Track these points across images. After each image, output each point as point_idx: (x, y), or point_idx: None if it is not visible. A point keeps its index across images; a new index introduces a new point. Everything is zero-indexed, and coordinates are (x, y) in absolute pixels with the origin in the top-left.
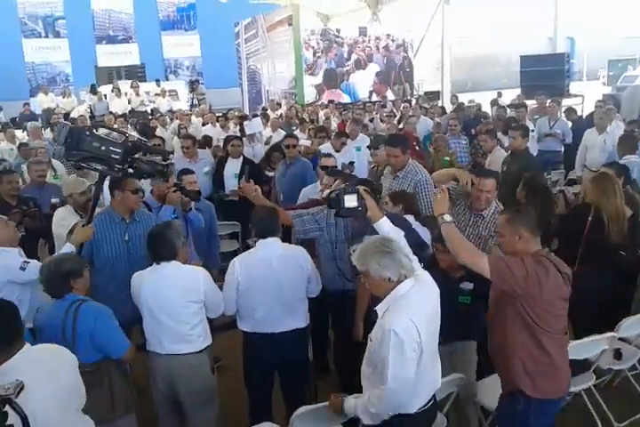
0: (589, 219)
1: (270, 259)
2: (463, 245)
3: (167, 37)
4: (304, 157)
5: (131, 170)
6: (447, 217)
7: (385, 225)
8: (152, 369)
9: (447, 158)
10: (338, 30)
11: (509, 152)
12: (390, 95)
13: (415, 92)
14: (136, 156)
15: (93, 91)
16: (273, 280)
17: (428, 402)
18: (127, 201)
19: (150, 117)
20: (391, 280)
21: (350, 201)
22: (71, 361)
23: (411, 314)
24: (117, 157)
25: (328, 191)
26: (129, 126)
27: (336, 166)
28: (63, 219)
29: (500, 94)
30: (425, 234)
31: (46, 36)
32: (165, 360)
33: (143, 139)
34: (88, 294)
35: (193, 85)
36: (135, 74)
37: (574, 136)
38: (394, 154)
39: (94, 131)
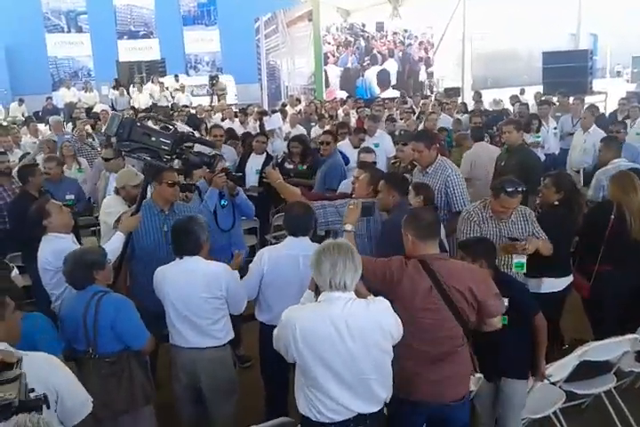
0: (612, 216)
1: (298, 258)
2: None
3: (188, 33)
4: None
5: (180, 161)
6: (348, 226)
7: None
8: (174, 362)
9: None
10: (364, 24)
11: (505, 148)
12: (389, 93)
13: (435, 89)
14: (185, 147)
15: (116, 86)
16: (297, 279)
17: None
18: (164, 193)
19: (171, 112)
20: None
21: None
22: (44, 374)
23: (302, 319)
24: (167, 147)
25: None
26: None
27: (376, 162)
28: (109, 206)
29: (522, 91)
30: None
31: (69, 31)
32: (188, 354)
33: (192, 130)
34: (110, 286)
35: (213, 81)
36: (156, 69)
37: None
38: (418, 149)
39: (145, 122)
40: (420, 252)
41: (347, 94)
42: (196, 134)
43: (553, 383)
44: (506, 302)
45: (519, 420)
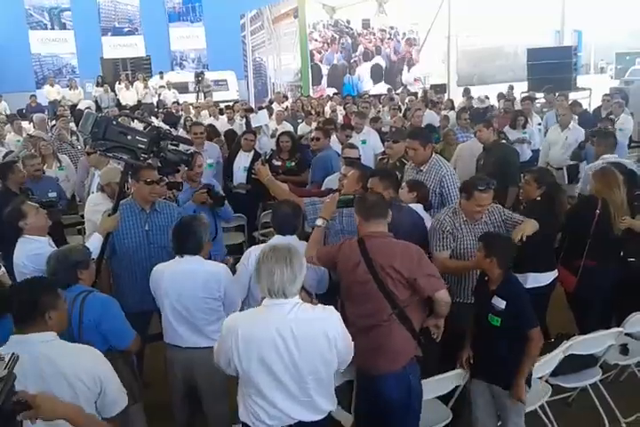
0: (597, 211)
1: None
2: (310, 243)
3: (173, 29)
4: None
5: (157, 159)
6: (319, 221)
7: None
8: (170, 361)
9: None
10: (348, 21)
11: (482, 147)
12: (381, 86)
13: (421, 85)
14: (162, 145)
15: (100, 83)
16: None
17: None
18: (141, 192)
19: (156, 109)
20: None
21: None
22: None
23: (245, 324)
24: (144, 146)
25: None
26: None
27: (359, 158)
28: (96, 204)
29: (511, 87)
30: None
31: (52, 28)
32: (184, 353)
33: (168, 128)
34: (96, 286)
35: (198, 77)
36: (141, 66)
37: None
38: (412, 147)
39: (120, 120)
40: (366, 230)
41: (334, 91)
42: (182, 132)
43: (539, 377)
44: (503, 304)
45: (522, 424)
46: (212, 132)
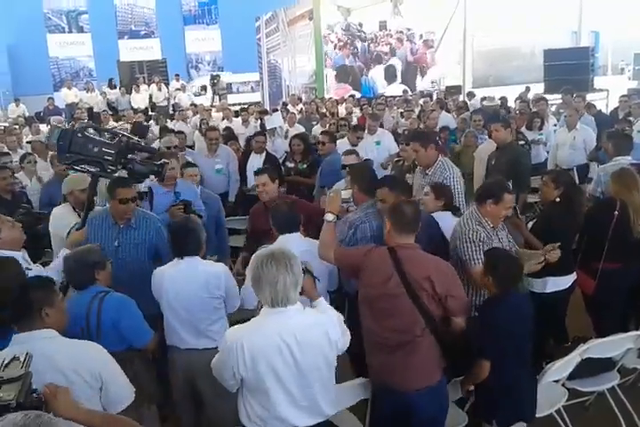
0: (616, 213)
1: None
2: (324, 240)
3: (189, 32)
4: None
5: (125, 171)
6: (328, 216)
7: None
8: (171, 362)
9: None
10: (360, 24)
11: (495, 146)
12: (395, 87)
13: (436, 86)
14: (130, 156)
15: (111, 85)
16: None
17: None
18: (115, 209)
19: (172, 112)
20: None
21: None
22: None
23: (249, 337)
24: (111, 158)
25: None
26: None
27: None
28: (61, 218)
29: (528, 89)
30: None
31: (70, 32)
32: (185, 355)
33: (135, 138)
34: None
35: (214, 80)
36: (157, 69)
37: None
38: (414, 148)
39: (86, 132)
40: (397, 242)
41: (349, 93)
42: (197, 134)
43: (556, 381)
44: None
45: None
46: (227, 136)
